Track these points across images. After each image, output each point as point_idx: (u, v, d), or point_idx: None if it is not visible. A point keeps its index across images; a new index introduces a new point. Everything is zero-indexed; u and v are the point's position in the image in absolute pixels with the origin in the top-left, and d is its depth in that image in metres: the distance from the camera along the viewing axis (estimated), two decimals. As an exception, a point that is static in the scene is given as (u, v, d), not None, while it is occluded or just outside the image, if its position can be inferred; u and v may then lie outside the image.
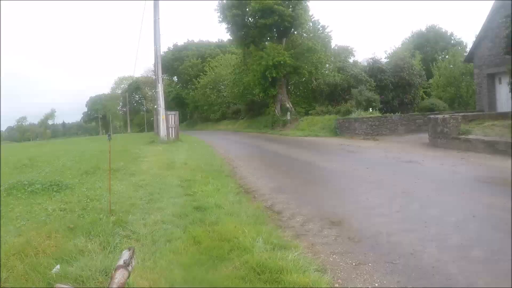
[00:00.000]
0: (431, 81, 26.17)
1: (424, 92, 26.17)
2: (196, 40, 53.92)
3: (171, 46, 53.51)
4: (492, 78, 15.85)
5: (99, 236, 3.48)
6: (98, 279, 2.66)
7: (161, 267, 2.84)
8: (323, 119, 19.54)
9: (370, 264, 2.84)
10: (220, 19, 25.89)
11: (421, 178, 5.77)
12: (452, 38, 35.44)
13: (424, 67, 26.69)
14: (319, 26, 26.08)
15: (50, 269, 2.81)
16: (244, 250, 3.09)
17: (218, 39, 53.01)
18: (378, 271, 2.72)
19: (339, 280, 2.63)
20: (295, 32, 25.26)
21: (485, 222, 3.57)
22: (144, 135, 30.67)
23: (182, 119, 44.61)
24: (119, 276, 1.95)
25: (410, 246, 3.09)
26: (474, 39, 17.01)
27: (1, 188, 5.78)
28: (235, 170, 7.65)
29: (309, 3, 25.71)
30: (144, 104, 69.74)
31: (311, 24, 25.66)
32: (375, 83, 21.48)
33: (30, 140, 67.39)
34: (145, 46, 46.34)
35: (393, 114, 16.76)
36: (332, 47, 30.07)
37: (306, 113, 24.12)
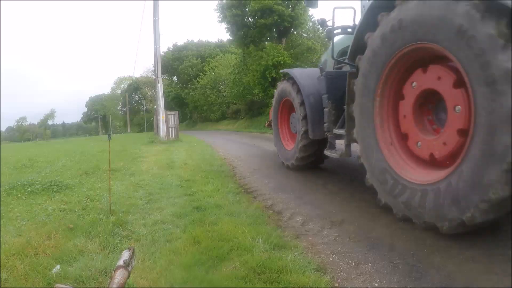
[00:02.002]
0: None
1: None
2: (195, 40, 54.02)
3: (171, 46, 53.60)
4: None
5: (99, 236, 3.48)
6: (98, 279, 2.66)
7: (161, 267, 2.84)
8: (323, 119, 19.56)
9: (370, 264, 2.84)
10: (220, 19, 25.95)
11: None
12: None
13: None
14: (319, 26, 26.12)
15: (50, 269, 2.82)
16: (244, 250, 3.10)
17: (218, 39, 53.14)
18: (378, 271, 2.72)
19: (339, 280, 2.64)
20: (295, 32, 25.31)
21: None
22: (144, 135, 30.70)
23: (182, 119, 44.64)
24: (119, 276, 1.96)
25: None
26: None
27: (1, 188, 5.79)
28: (235, 170, 7.65)
29: (309, 3, 25.72)
30: (144, 104, 69.78)
31: (310, 24, 25.71)
32: (375, 83, 21.49)
33: (30, 140, 67.47)
34: (145, 46, 46.55)
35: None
36: (332, 47, 30.08)
37: (306, 113, 24.15)
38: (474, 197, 2.48)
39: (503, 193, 2.31)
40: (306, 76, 5.97)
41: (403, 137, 3.46)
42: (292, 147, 6.60)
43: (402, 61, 3.28)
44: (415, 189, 3.04)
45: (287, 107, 6.88)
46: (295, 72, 6.22)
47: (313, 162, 6.34)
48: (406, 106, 3.35)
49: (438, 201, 2.78)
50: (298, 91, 5.89)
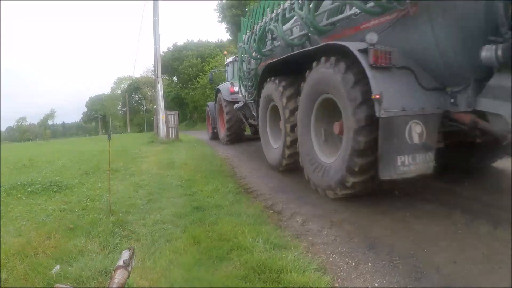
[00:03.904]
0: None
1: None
2: (195, 40, 53.83)
3: (170, 46, 53.41)
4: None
5: (99, 236, 3.48)
6: (98, 279, 2.66)
7: (161, 267, 2.84)
8: (323, 119, 19.51)
9: (370, 264, 2.84)
10: (220, 19, 26.02)
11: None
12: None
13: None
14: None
15: (50, 269, 2.82)
16: (244, 250, 3.10)
17: (218, 39, 52.95)
18: (378, 271, 2.72)
19: (339, 280, 2.64)
20: (295, 32, 25.30)
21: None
22: (143, 135, 30.66)
23: (182, 119, 44.55)
24: (119, 276, 1.96)
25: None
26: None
27: (1, 188, 5.79)
28: (235, 170, 7.64)
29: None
30: (144, 104, 69.67)
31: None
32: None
33: (30, 140, 67.43)
34: (145, 46, 46.31)
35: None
36: (332, 46, 30.04)
37: (306, 113, 24.14)
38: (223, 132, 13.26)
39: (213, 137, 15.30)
40: (211, 105, 14.58)
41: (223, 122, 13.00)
42: (211, 132, 15.32)
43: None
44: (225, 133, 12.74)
45: (210, 117, 15.11)
46: (209, 104, 15.19)
47: (216, 137, 14.51)
48: (223, 117, 12.64)
49: (224, 134, 12.90)
50: (210, 110, 14.72)
